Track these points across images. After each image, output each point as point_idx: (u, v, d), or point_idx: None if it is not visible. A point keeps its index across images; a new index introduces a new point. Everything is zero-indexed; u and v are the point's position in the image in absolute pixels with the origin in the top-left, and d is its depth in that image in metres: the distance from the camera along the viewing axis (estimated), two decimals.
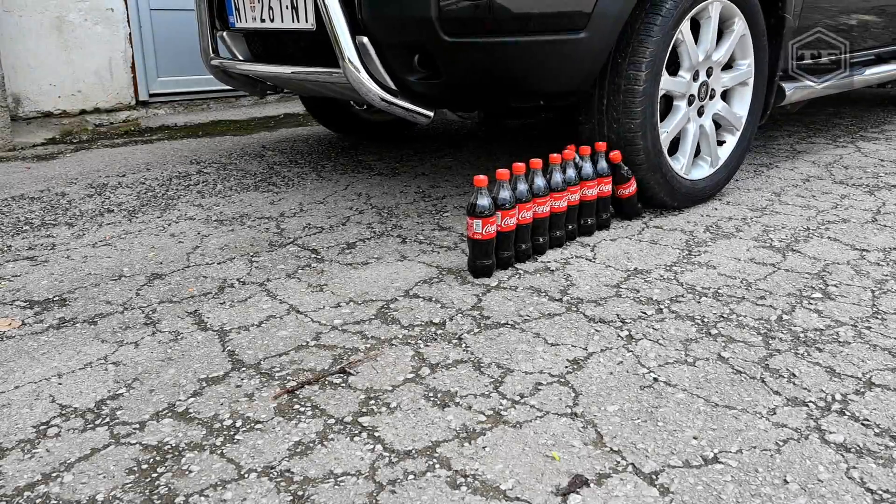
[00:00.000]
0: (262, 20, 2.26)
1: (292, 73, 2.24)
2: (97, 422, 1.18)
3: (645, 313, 1.55)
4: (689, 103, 2.16)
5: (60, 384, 1.30)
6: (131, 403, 1.23)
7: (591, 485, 1.02)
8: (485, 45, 1.84)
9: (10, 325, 1.53)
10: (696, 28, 2.14)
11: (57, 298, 1.66)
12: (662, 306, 1.58)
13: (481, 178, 1.66)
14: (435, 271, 1.78)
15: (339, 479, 1.03)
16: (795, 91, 2.66)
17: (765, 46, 2.32)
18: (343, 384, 1.28)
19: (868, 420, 1.17)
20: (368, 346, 1.42)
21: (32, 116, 3.81)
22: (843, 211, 2.25)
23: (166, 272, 1.81)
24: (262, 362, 1.36)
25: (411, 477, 1.04)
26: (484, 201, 1.65)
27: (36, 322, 1.55)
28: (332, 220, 2.20)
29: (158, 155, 3.16)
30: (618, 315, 1.54)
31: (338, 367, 1.33)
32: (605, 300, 1.61)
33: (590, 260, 1.85)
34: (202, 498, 1.00)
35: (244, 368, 1.34)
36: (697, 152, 2.26)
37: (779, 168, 2.79)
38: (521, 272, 1.77)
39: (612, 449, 1.10)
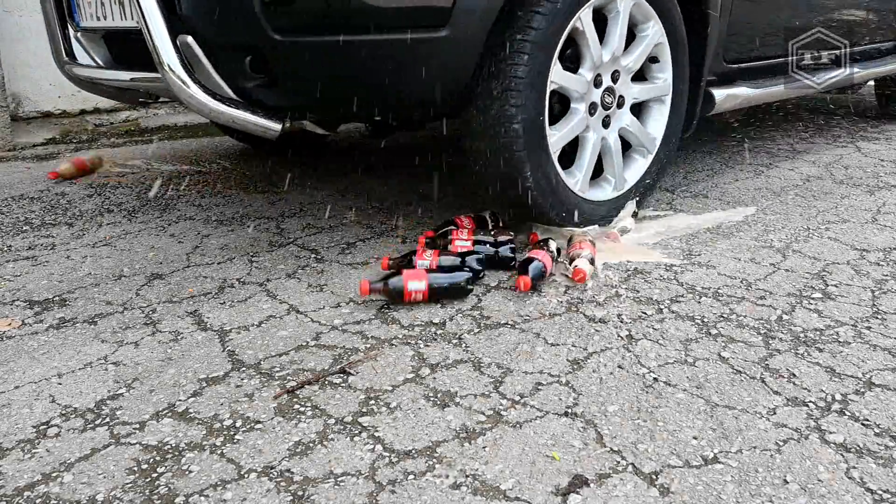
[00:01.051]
0: (98, 17, 1.97)
1: (130, 79, 1.93)
2: (97, 422, 1.18)
3: (645, 313, 1.55)
4: (591, 112, 1.94)
5: (60, 384, 1.30)
6: (131, 403, 1.23)
7: (591, 485, 1.02)
8: (325, 45, 1.55)
9: (10, 325, 1.53)
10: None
11: (57, 298, 1.66)
12: (662, 306, 1.58)
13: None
14: None
15: (339, 479, 1.04)
16: (728, 98, 2.35)
17: (684, 47, 2.08)
18: (343, 384, 1.28)
19: (868, 420, 1.17)
20: (368, 346, 1.42)
21: (32, 116, 3.81)
22: (843, 211, 2.25)
23: (166, 272, 1.81)
24: (262, 362, 1.36)
25: (411, 477, 1.04)
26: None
27: (36, 322, 1.55)
28: (332, 220, 2.20)
29: (158, 155, 3.16)
30: (618, 315, 1.54)
31: (338, 367, 1.33)
32: (605, 300, 1.61)
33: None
34: (202, 498, 1.00)
35: (244, 368, 1.34)
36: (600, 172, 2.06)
37: (779, 168, 2.79)
38: None
39: (612, 449, 1.10)
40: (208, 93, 1.62)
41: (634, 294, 1.64)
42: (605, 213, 2.04)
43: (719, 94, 2.31)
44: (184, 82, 1.59)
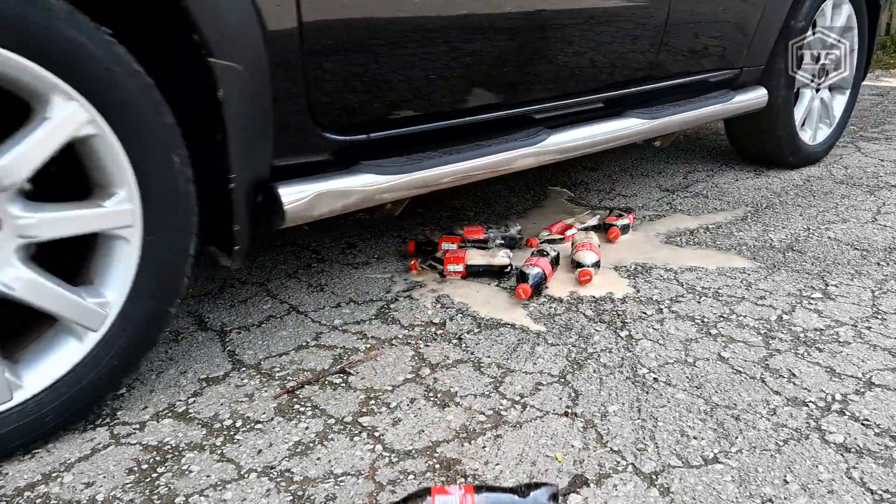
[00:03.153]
0: None
1: None
2: (97, 422, 1.18)
3: (645, 313, 1.55)
4: None
5: None
6: (131, 403, 1.23)
7: (591, 485, 1.02)
8: None
9: None
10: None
11: None
12: (662, 306, 1.58)
13: None
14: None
15: (339, 479, 1.04)
16: (317, 199, 1.29)
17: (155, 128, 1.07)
18: (343, 384, 1.28)
19: (868, 420, 1.17)
20: (368, 346, 1.42)
21: None
22: (843, 211, 2.25)
23: None
24: (262, 362, 1.36)
25: (411, 477, 1.04)
26: None
27: None
28: (332, 220, 2.20)
29: None
30: (618, 315, 1.54)
31: (338, 367, 1.33)
32: (605, 300, 1.61)
33: None
34: (202, 498, 1.00)
35: (244, 368, 1.34)
36: None
37: (779, 168, 2.79)
38: None
39: (612, 449, 1.10)
40: None
41: (634, 294, 1.64)
42: None
43: (293, 193, 1.27)
44: None
